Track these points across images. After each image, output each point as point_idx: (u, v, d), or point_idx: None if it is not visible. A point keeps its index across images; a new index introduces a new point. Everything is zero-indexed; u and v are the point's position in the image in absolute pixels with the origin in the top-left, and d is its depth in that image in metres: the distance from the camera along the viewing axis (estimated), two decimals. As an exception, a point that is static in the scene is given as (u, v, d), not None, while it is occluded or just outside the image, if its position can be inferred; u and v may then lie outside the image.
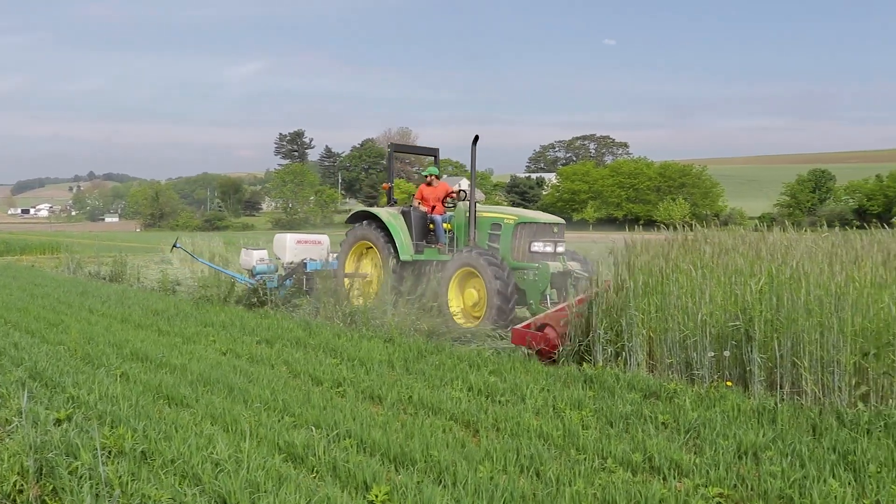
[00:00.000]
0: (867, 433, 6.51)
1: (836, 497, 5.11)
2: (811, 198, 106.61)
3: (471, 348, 10.55)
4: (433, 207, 15.37)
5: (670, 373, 8.75)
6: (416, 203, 15.49)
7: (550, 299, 12.67)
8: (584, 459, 5.94)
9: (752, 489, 5.38)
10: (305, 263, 16.22)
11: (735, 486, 5.44)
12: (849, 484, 5.44)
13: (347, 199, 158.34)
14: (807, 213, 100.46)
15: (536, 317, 10.59)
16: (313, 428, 6.74)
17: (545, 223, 13.99)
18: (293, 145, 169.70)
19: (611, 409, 7.30)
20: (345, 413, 7.18)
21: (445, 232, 14.76)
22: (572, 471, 5.63)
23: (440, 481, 5.50)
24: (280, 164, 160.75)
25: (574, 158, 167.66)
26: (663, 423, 6.92)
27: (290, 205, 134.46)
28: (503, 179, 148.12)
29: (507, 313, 12.30)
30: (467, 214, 14.12)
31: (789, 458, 5.93)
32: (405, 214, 15.08)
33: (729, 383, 8.20)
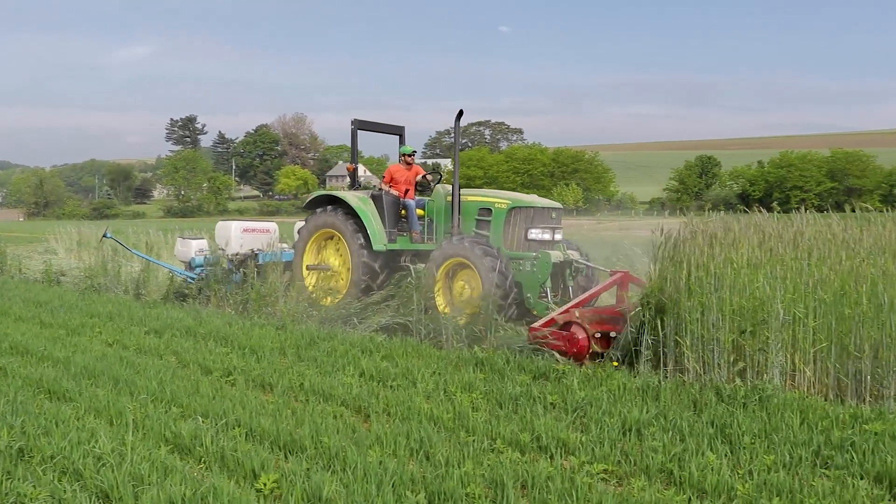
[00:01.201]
0: (743, 407, 6.79)
1: (712, 468, 5.32)
2: (698, 183, 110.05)
3: (364, 334, 10.51)
4: (406, 191, 13.68)
5: (559, 354, 8.92)
6: (384, 186, 13.72)
7: (550, 292, 11.45)
8: (474, 441, 6.01)
9: (635, 464, 5.54)
10: (257, 254, 14.66)
11: (619, 462, 5.60)
12: (725, 456, 5.66)
13: (242, 186, 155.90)
14: (694, 198, 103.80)
15: (556, 312, 9.50)
16: (201, 418, 6.63)
17: (543, 207, 12.41)
18: (185, 131, 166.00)
19: (501, 391, 7.40)
20: (234, 402, 7.09)
21: (419, 219, 13.33)
22: (461, 452, 5.70)
23: (330, 467, 5.49)
24: (172, 151, 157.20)
25: (469, 144, 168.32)
26: (552, 404, 7.05)
27: (183, 192, 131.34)
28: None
29: (506, 309, 10.90)
30: (448, 199, 12.79)
31: (671, 433, 6.14)
32: (375, 199, 13.39)
33: (615, 363, 8.42)
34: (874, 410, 6.64)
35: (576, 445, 5.90)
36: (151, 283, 15.79)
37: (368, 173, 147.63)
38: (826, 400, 7.22)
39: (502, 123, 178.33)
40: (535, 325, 9.26)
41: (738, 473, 5.34)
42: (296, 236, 15.24)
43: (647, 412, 6.62)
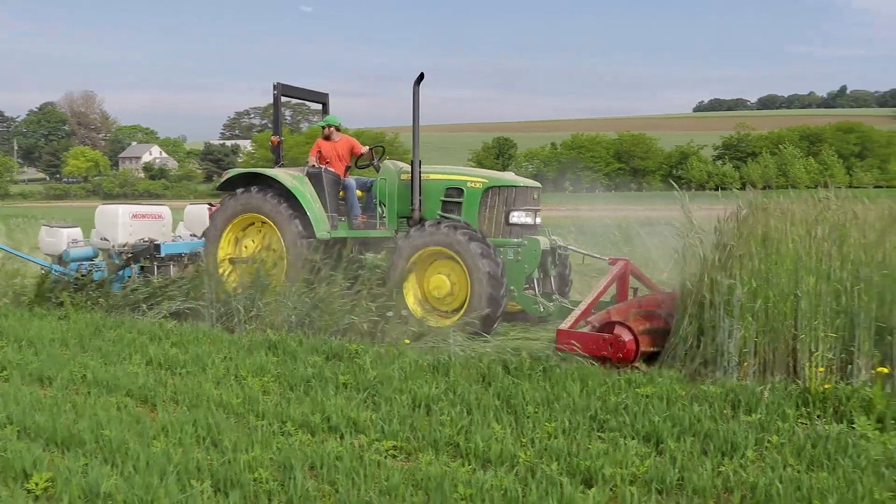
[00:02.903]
0: (528, 378, 7.06)
1: (497, 438, 5.50)
2: (495, 164, 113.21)
3: (153, 321, 10.11)
4: (347, 169, 12.12)
5: (352, 335, 8.97)
6: (313, 162, 11.79)
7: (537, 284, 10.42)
8: (263, 425, 5.93)
9: (423, 439, 5.64)
10: (158, 245, 12.26)
11: (408, 437, 5.68)
12: (510, 426, 5.87)
13: (25, 168, 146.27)
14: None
15: (577, 309, 8.39)
16: (-38, 420, 6.18)
17: (524, 187, 10.93)
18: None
19: (293, 374, 7.34)
20: (7, 399, 6.64)
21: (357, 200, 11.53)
22: (250, 437, 5.61)
23: (110, 461, 5.26)
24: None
25: (270, 125, 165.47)
26: (344, 384, 7.06)
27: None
28: (197, 147, 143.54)
29: (499, 302, 9.61)
30: (403, 177, 11.03)
31: (459, 406, 6.29)
32: (313, 177, 11.43)
33: (407, 341, 8.55)
34: (646, 375, 7.09)
35: (366, 424, 5.94)
36: None
37: (164, 155, 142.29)
38: (606, 367, 7.60)
39: (302, 104, 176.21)
40: (564, 326, 8.08)
41: (522, 442, 5.56)
42: (184, 221, 13.69)
43: (436, 387, 6.77)
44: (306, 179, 11.35)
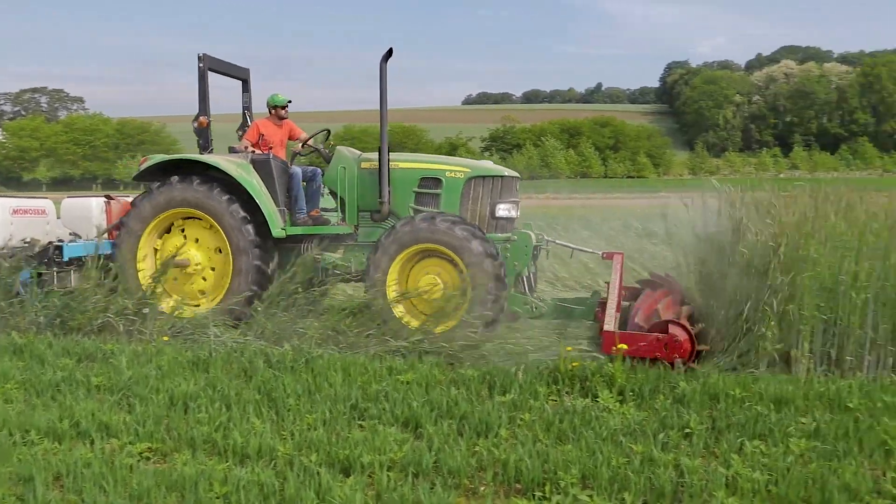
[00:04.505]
0: (291, 370, 7.03)
1: (256, 433, 5.44)
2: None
3: None
4: (294, 157, 10.72)
5: (107, 334, 8.59)
6: (248, 146, 10.20)
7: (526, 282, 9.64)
8: (3, 436, 5.53)
9: (180, 438, 5.48)
10: (59, 246, 9.90)
11: (164, 438, 5.50)
12: (271, 420, 5.82)
13: None
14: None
15: (609, 308, 7.74)
16: None
17: (509, 177, 9.89)
18: None
19: (40, 379, 6.89)
20: None
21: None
22: (-14, 451, 5.24)
23: None
24: None
25: (23, 113, 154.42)
26: (97, 386, 6.71)
27: None
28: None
29: (502, 303, 8.70)
30: (365, 165, 9.84)
31: (218, 403, 6.15)
32: (259, 164, 9.83)
33: (166, 338, 8.29)
34: (407, 362, 7.25)
35: (119, 427, 5.68)
36: None
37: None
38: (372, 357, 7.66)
39: (61, 91, 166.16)
40: (608, 327, 7.34)
41: (282, 435, 5.52)
42: (61, 217, 10.99)
43: (195, 384, 6.59)
44: (251, 168, 9.80)
